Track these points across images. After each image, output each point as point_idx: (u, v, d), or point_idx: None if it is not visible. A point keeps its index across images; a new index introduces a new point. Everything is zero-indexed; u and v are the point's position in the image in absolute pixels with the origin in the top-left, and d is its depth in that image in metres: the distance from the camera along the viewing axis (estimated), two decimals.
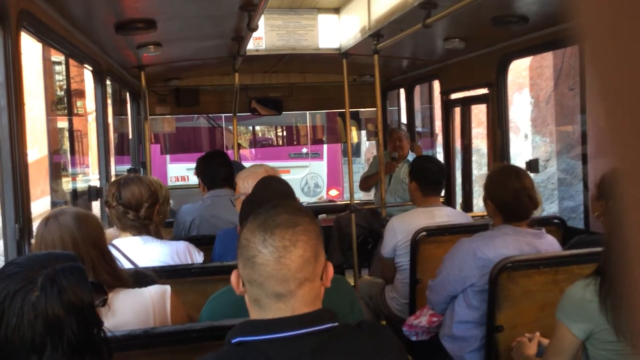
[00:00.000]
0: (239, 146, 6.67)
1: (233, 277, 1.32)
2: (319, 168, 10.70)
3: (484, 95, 4.49)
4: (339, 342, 1.27)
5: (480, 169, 7.34)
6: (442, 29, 3.79)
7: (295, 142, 12.08)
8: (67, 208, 1.89)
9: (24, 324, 1.21)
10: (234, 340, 1.24)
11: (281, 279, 1.23)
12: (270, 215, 1.28)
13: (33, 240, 1.84)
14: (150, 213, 2.52)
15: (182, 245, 2.65)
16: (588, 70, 0.25)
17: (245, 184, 2.61)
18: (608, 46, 0.23)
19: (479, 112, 5.87)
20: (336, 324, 1.28)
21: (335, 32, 4.76)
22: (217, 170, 3.45)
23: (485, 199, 2.60)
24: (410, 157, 5.18)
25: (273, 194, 1.87)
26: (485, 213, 2.85)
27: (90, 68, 3.74)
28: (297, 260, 1.23)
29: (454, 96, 5.22)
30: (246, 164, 3.87)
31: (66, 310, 1.24)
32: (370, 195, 5.73)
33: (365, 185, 5.45)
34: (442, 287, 2.63)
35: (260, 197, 1.88)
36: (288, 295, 1.24)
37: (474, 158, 5.56)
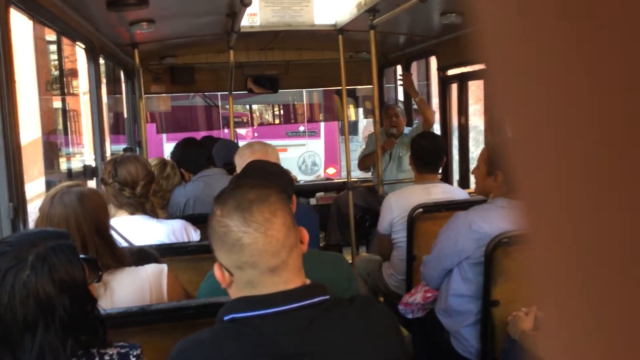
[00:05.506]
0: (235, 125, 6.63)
1: (216, 270, 1.28)
2: (317, 146, 10.66)
3: (481, 71, 4.45)
4: (332, 315, 1.27)
5: (477, 147, 7.32)
6: (439, 4, 3.74)
7: (292, 121, 12.01)
8: (72, 186, 1.86)
9: (15, 302, 1.21)
10: (226, 317, 1.24)
11: (273, 252, 1.23)
12: (241, 196, 1.26)
13: (36, 216, 1.82)
14: (147, 191, 2.53)
15: (178, 223, 2.65)
16: (487, 71, 0.25)
17: (242, 163, 2.60)
18: (506, 48, 0.23)
19: (477, 89, 5.83)
20: (328, 297, 1.28)
21: (331, 8, 4.71)
22: (196, 153, 3.53)
23: (492, 172, 2.54)
24: (406, 131, 5.16)
25: (258, 175, 1.85)
26: None
27: (83, 46, 3.69)
28: (281, 229, 1.24)
29: (451, 72, 5.17)
30: (242, 143, 3.86)
31: (58, 289, 1.24)
32: (368, 173, 5.71)
33: (364, 164, 5.38)
34: (438, 261, 2.63)
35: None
36: (282, 265, 1.24)
37: (471, 135, 5.54)
